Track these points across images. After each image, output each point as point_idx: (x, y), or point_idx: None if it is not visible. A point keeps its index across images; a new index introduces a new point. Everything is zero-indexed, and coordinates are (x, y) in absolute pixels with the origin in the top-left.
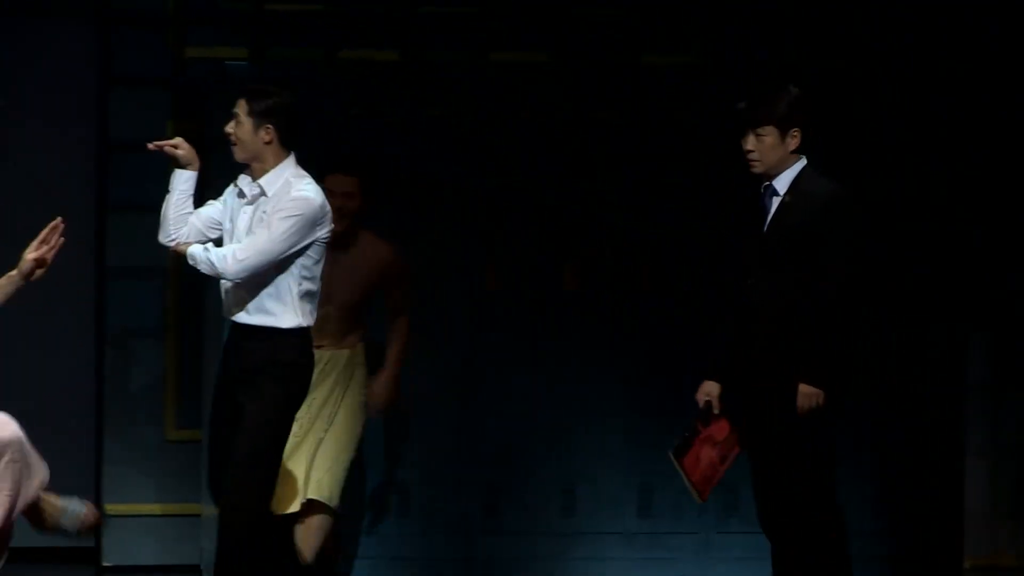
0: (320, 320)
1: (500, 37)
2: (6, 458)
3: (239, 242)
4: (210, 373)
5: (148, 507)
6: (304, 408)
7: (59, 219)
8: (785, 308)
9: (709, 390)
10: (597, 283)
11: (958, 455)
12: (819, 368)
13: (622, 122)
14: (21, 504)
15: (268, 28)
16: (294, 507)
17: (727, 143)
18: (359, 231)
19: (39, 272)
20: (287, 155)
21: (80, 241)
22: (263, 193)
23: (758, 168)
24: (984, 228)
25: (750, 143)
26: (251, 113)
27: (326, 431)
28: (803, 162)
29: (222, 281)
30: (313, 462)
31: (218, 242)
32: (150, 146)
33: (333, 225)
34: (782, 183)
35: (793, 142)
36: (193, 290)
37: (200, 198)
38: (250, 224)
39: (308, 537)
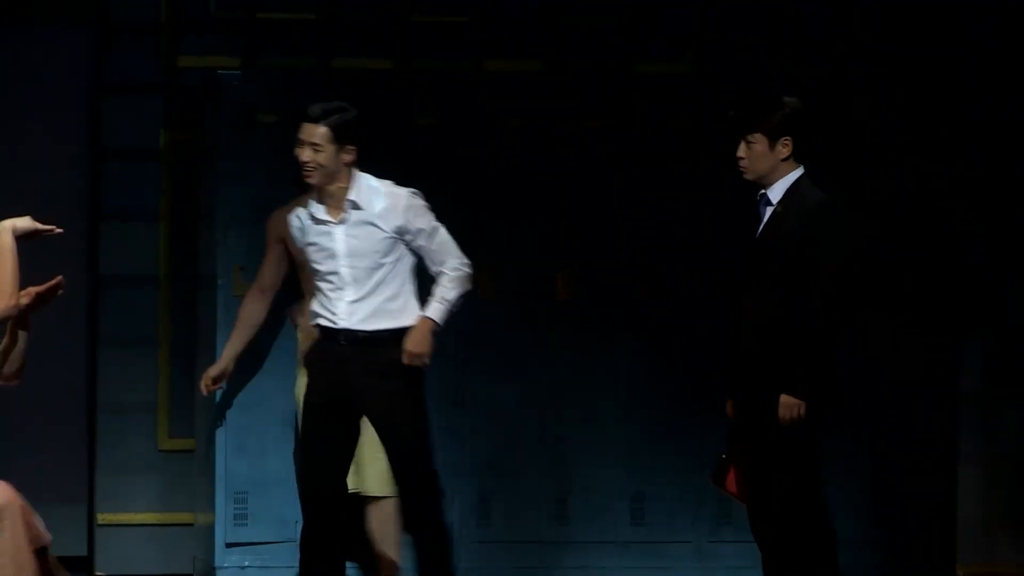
0: None
1: (493, 45)
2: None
3: (348, 264)
4: None
5: (141, 516)
6: None
7: (60, 278)
8: (773, 318)
9: (729, 409)
10: (590, 292)
11: (951, 463)
12: (801, 379)
13: (615, 130)
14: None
15: (261, 37)
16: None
17: (721, 151)
18: None
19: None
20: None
21: (73, 250)
22: (357, 207)
23: (748, 175)
24: (978, 236)
25: (741, 150)
26: (334, 139)
27: None
28: (799, 172)
29: (330, 295)
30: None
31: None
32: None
33: None
34: (776, 192)
35: (784, 151)
36: (186, 299)
37: (194, 209)
38: (353, 241)
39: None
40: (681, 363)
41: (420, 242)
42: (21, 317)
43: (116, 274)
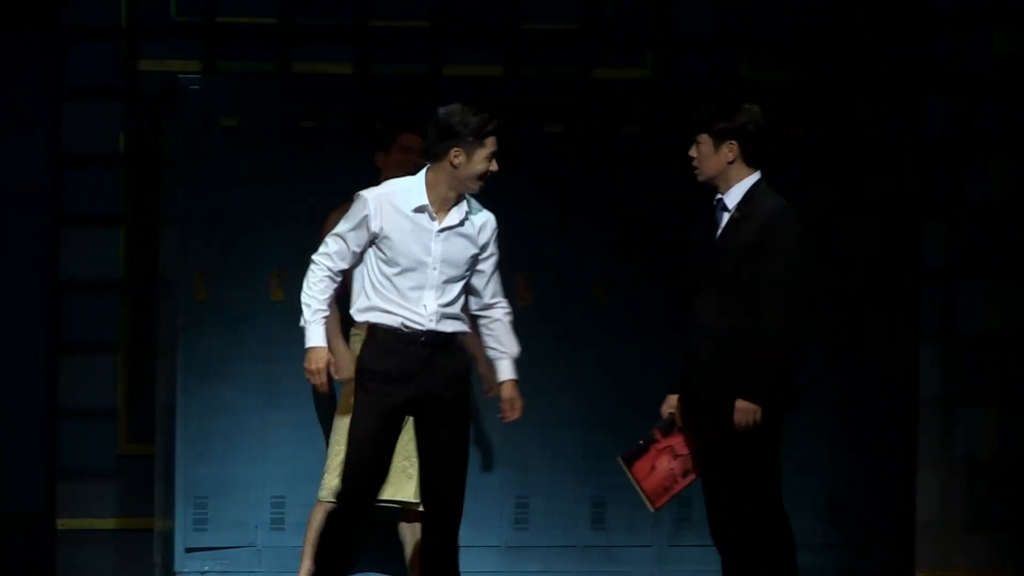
0: None
1: (453, 51)
2: None
3: (440, 268)
4: (163, 387)
5: (101, 521)
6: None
7: None
8: (727, 323)
9: (673, 403)
10: (550, 296)
11: (911, 467)
12: (757, 384)
13: (575, 135)
14: None
15: (221, 41)
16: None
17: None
18: None
19: None
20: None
21: (33, 255)
22: (466, 217)
23: (699, 176)
24: (936, 240)
25: (692, 150)
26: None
27: None
28: (756, 177)
29: (410, 295)
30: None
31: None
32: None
33: None
34: (732, 198)
35: (729, 154)
36: (146, 304)
37: (154, 213)
38: (450, 248)
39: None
40: (642, 366)
41: (485, 266)
42: None
43: (77, 279)
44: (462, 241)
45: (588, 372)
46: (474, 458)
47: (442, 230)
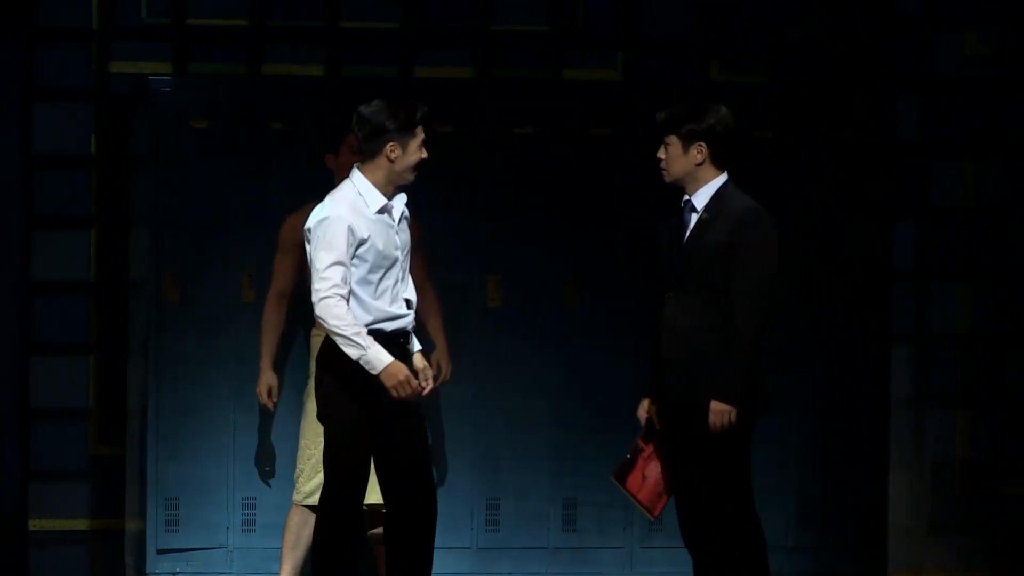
0: None
1: (423, 53)
2: None
3: (403, 259)
4: (135, 388)
5: (73, 523)
6: None
7: None
8: (698, 325)
9: (649, 407)
10: (520, 298)
11: (883, 470)
12: (732, 385)
13: (545, 137)
14: None
15: (192, 43)
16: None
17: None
18: None
19: None
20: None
21: (4, 256)
22: (398, 204)
23: (667, 177)
24: (906, 242)
25: (660, 151)
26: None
27: None
28: (723, 179)
29: (387, 295)
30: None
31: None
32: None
33: None
34: (700, 199)
35: (698, 156)
36: (117, 306)
37: (125, 215)
38: (404, 236)
39: None
40: (612, 370)
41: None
42: None
43: (48, 280)
44: (405, 225)
45: (558, 373)
46: (444, 460)
47: (399, 221)
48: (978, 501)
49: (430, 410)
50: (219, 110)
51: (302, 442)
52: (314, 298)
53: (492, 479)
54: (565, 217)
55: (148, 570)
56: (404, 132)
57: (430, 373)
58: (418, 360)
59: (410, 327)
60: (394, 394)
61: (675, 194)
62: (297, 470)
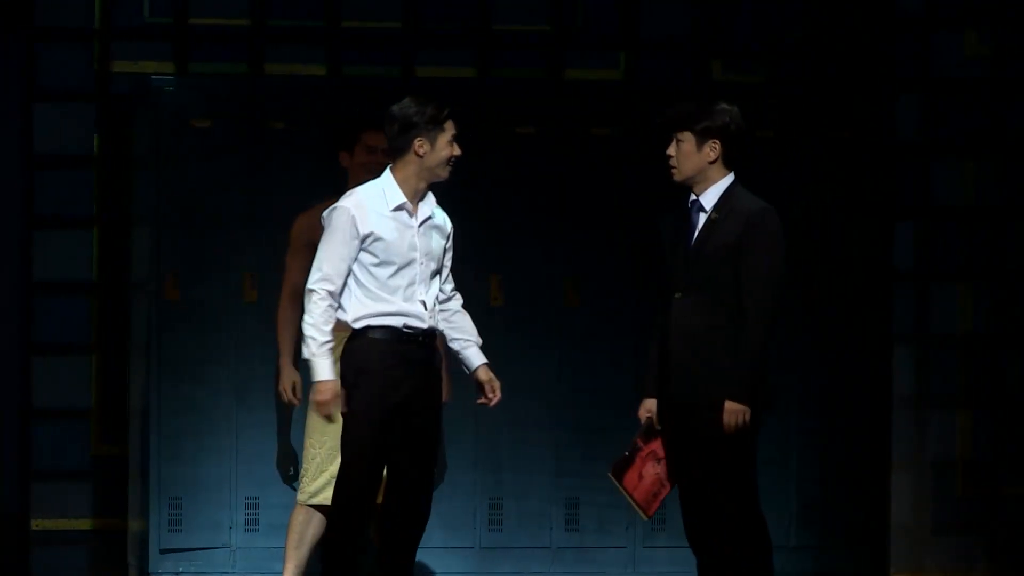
0: None
1: (425, 52)
2: None
3: (424, 263)
4: (136, 388)
5: (75, 522)
6: None
7: None
8: (707, 324)
9: (650, 407)
10: (522, 297)
11: (883, 469)
12: (744, 385)
13: (546, 137)
14: None
15: (193, 42)
16: None
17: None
18: None
19: None
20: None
21: (6, 256)
22: (432, 210)
23: (676, 176)
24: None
25: (671, 148)
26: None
27: None
28: (731, 178)
29: (401, 293)
30: None
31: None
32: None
33: None
34: (708, 199)
35: (711, 154)
36: (119, 305)
37: (127, 214)
38: (428, 242)
39: None
40: (615, 370)
41: (447, 259)
42: None
43: (49, 280)
44: (436, 233)
45: (561, 373)
46: (446, 459)
47: (420, 224)
48: (979, 501)
49: None
50: (220, 110)
51: (307, 441)
52: (307, 294)
53: (494, 478)
54: (566, 217)
55: (151, 569)
56: (432, 127)
57: (497, 385)
58: (483, 373)
59: (428, 328)
60: (313, 408)
61: (676, 194)
62: (301, 470)
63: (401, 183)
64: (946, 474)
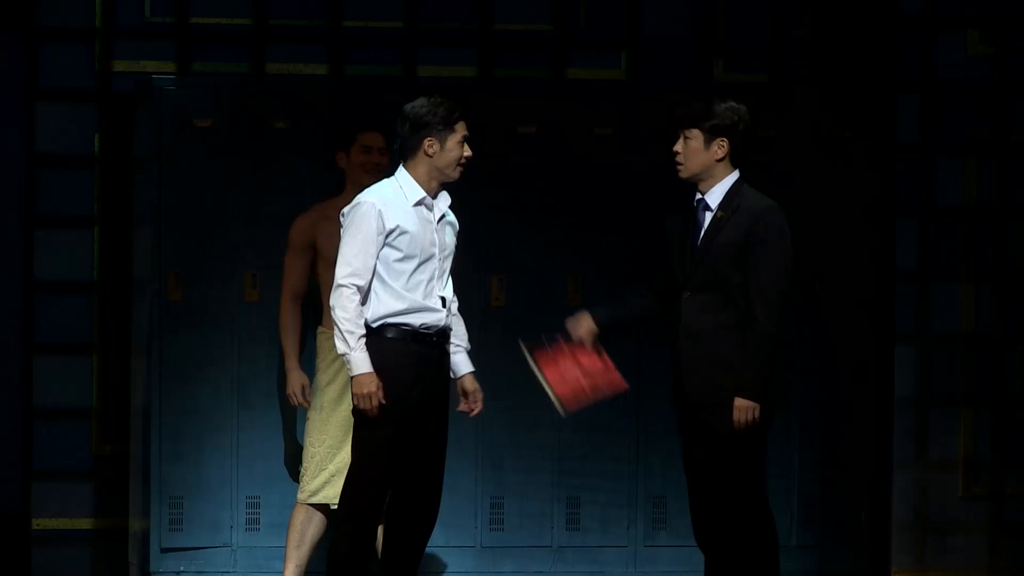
0: None
1: (426, 52)
2: None
3: (441, 259)
4: (138, 387)
5: (77, 522)
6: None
7: None
8: (716, 323)
9: (585, 325)
10: (523, 297)
11: (885, 468)
12: (754, 381)
13: (548, 136)
14: None
15: (195, 42)
16: None
17: (651, 157)
18: None
19: None
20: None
21: (7, 255)
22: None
23: (683, 173)
24: (908, 241)
25: (678, 145)
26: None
27: None
28: (736, 176)
29: (419, 290)
30: None
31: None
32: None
33: None
34: (714, 197)
35: (719, 151)
36: (120, 305)
37: (128, 214)
38: (444, 237)
39: None
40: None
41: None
42: None
43: (51, 279)
44: (451, 230)
45: None
46: (448, 459)
47: (439, 220)
48: (981, 500)
49: None
50: (222, 109)
51: (306, 440)
52: (332, 295)
53: (496, 478)
54: (568, 216)
55: (152, 569)
56: (442, 127)
57: (480, 396)
58: (469, 382)
59: (443, 326)
60: (355, 402)
61: (678, 192)
62: (302, 469)
63: (417, 180)
64: (947, 473)
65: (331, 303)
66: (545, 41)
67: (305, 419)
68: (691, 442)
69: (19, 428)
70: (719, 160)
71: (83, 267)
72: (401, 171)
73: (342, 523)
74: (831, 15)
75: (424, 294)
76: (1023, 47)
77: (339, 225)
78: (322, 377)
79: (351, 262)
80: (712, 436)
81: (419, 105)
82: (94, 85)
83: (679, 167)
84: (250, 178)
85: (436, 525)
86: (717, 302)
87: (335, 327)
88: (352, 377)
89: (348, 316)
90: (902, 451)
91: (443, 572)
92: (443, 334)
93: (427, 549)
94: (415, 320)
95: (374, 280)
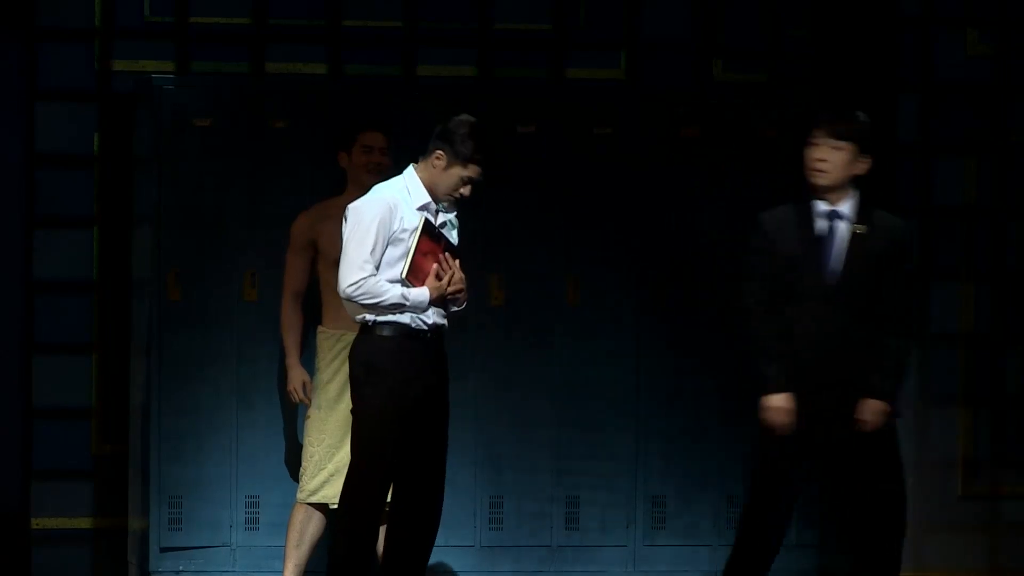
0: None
1: (426, 52)
2: None
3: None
4: (137, 387)
5: (76, 521)
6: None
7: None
8: (851, 330)
9: (785, 406)
10: (522, 296)
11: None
12: (891, 387)
13: (548, 136)
14: None
15: (194, 41)
16: None
17: (651, 157)
18: None
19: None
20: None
21: (6, 255)
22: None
23: (823, 181)
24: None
25: (823, 152)
26: None
27: None
28: (857, 191)
29: None
30: None
31: None
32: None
33: None
34: (847, 209)
35: (862, 167)
36: (120, 304)
37: (128, 213)
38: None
39: None
40: (613, 366)
41: None
42: None
43: (50, 279)
44: (454, 233)
45: (561, 371)
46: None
47: (440, 225)
48: (980, 500)
49: None
50: (222, 109)
51: (305, 440)
52: (345, 280)
53: (495, 477)
54: (567, 215)
55: (151, 568)
56: (458, 154)
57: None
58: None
59: (437, 324)
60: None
61: (677, 191)
62: (301, 468)
63: (425, 184)
64: (946, 473)
65: (355, 297)
66: (545, 41)
67: (304, 418)
68: (830, 447)
69: (19, 428)
70: (859, 175)
71: (82, 267)
72: (410, 171)
73: (341, 522)
74: (831, 15)
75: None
76: (1023, 47)
77: (340, 224)
78: (322, 376)
79: (367, 267)
80: (859, 439)
81: (460, 122)
82: (94, 85)
83: (819, 174)
84: (250, 177)
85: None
86: (853, 310)
87: (379, 308)
88: (430, 303)
89: (377, 294)
90: (902, 450)
91: (442, 571)
92: (436, 331)
93: None
94: (405, 317)
95: None
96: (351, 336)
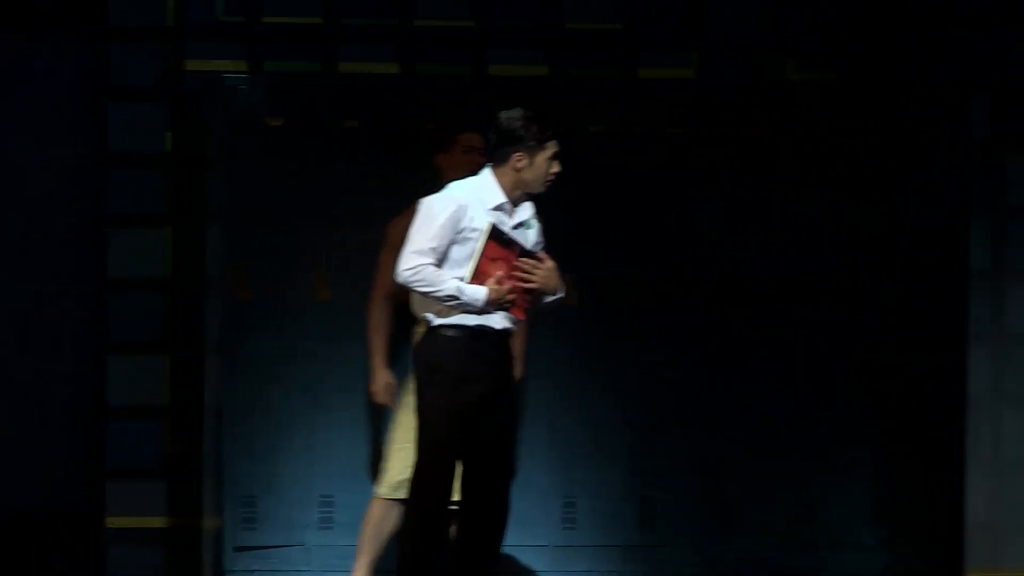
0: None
1: (497, 51)
2: None
3: None
4: (211, 386)
5: (150, 520)
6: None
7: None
8: None
9: None
10: (596, 297)
11: (959, 468)
12: None
13: (619, 135)
14: None
15: (266, 41)
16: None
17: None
18: None
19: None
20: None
21: (81, 255)
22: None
23: None
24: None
25: None
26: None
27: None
28: None
29: None
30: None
31: None
32: None
33: None
34: None
35: None
36: (193, 303)
37: (200, 212)
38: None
39: None
40: (687, 366)
41: None
42: None
43: (123, 278)
44: (532, 235)
45: (634, 372)
46: (520, 458)
47: (516, 226)
48: None
49: None
50: (293, 108)
51: (393, 435)
52: (404, 264)
53: (569, 477)
54: (641, 216)
55: (226, 567)
56: (533, 144)
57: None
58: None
59: (504, 328)
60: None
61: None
62: (387, 463)
63: (502, 187)
64: (1023, 473)
65: (410, 283)
66: (617, 40)
67: (391, 418)
68: None
69: (93, 426)
70: None
71: (156, 266)
72: (487, 173)
73: (408, 520)
74: (899, 14)
75: None
76: None
77: None
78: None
79: (427, 254)
80: None
81: (514, 118)
82: (165, 84)
83: None
84: (321, 177)
85: (508, 524)
86: None
87: (432, 298)
88: (486, 302)
89: (433, 282)
90: (976, 450)
91: (516, 571)
92: (503, 335)
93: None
94: (471, 321)
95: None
96: None
